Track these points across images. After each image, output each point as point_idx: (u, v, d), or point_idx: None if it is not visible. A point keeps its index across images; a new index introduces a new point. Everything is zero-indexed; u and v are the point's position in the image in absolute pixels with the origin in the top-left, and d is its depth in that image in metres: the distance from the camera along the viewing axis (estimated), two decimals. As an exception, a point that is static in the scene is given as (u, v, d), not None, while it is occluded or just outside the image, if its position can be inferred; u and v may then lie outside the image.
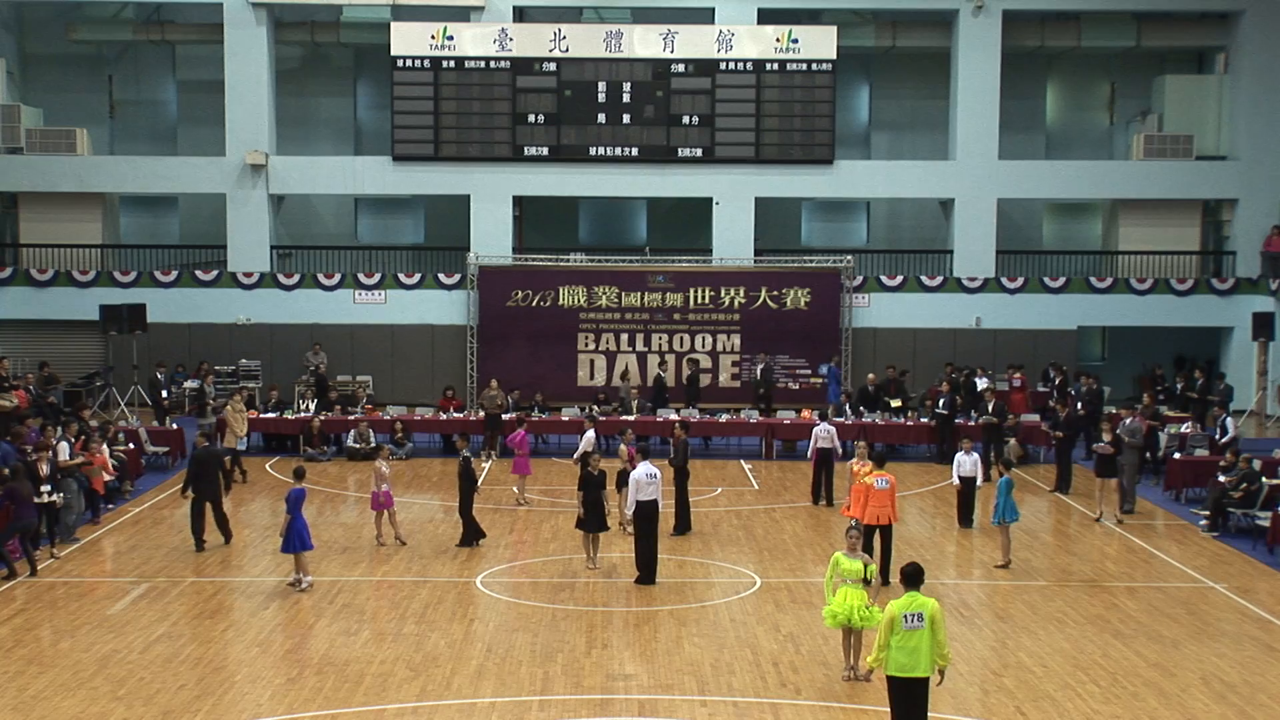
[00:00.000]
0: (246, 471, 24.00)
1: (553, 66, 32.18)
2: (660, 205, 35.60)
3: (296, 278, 32.74)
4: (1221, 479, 20.80)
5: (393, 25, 32.30)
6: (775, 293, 31.67)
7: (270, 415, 27.04)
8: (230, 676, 13.33)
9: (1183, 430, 24.89)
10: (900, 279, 32.88)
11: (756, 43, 32.24)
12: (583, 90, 32.24)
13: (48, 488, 18.02)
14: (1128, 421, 21.89)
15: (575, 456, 21.42)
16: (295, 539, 16.35)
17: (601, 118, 32.29)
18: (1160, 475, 24.00)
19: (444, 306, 32.41)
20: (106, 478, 20.97)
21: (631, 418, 26.88)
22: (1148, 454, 23.52)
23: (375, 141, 34.76)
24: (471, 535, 18.90)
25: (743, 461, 26.78)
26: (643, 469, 17.07)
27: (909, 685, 10.87)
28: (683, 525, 19.77)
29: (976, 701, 12.82)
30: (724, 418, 28.40)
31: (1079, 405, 25.81)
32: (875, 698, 12.36)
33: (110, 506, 21.04)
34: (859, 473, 17.76)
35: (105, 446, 21.40)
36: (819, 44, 32.21)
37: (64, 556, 18.21)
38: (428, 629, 14.93)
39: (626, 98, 32.25)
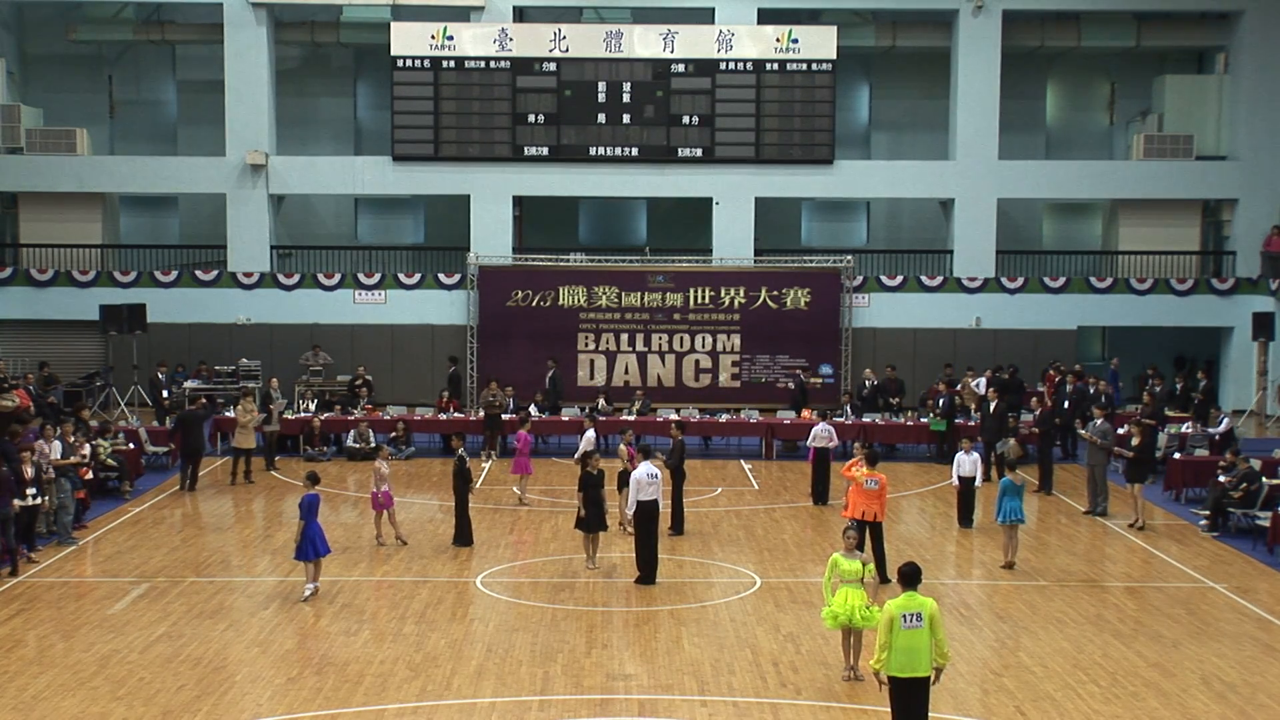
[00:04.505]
0: (251, 472, 23.95)
1: (553, 66, 32.18)
2: (660, 205, 35.60)
3: (296, 278, 32.74)
4: (1221, 479, 20.79)
5: (393, 25, 32.30)
6: (775, 293, 31.66)
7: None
8: (230, 676, 13.32)
9: (1183, 430, 24.91)
10: (900, 279, 32.88)
11: (756, 43, 32.24)
12: (583, 90, 32.24)
13: (32, 490, 17.94)
14: (1098, 422, 21.87)
15: (576, 456, 21.42)
16: (309, 546, 16.01)
17: (601, 118, 32.29)
18: (1153, 474, 23.98)
19: (444, 306, 32.41)
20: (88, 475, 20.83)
21: (632, 418, 26.87)
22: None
23: (375, 141, 34.76)
24: (464, 536, 18.88)
25: (743, 461, 26.78)
26: (644, 469, 17.07)
27: (909, 685, 10.86)
28: (677, 526, 19.77)
29: (976, 701, 12.82)
30: (724, 418, 28.41)
31: (1064, 404, 25.83)
32: (875, 698, 12.35)
33: (82, 523, 20.15)
34: (853, 473, 17.74)
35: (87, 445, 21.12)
36: (819, 44, 32.21)
37: (63, 556, 18.24)
38: (428, 629, 14.92)
39: (626, 98, 32.25)
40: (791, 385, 30.33)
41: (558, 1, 33.50)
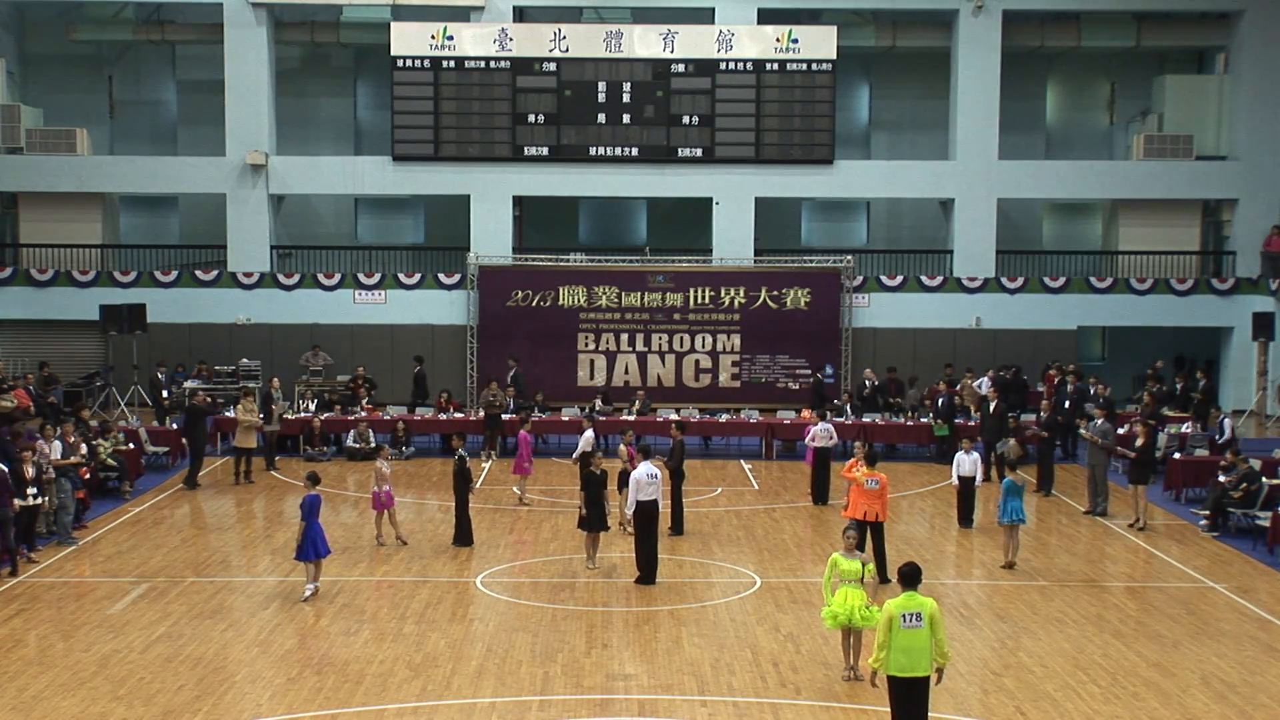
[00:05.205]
0: (251, 472, 23.99)
1: (553, 66, 32.18)
2: (660, 205, 35.59)
3: (296, 278, 32.74)
4: (1221, 479, 20.79)
5: (393, 25, 32.30)
6: (775, 293, 31.66)
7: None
8: (230, 676, 13.32)
9: (1183, 430, 24.90)
10: (900, 279, 32.88)
11: (756, 43, 32.24)
12: (583, 90, 32.24)
13: (33, 490, 17.94)
14: (1098, 422, 21.83)
15: (574, 456, 21.42)
16: (309, 546, 16.00)
17: (601, 118, 32.29)
18: (1154, 474, 23.95)
19: (444, 306, 32.41)
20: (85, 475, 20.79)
21: (632, 418, 26.88)
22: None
23: (375, 141, 34.75)
24: (464, 536, 18.89)
25: (743, 461, 26.79)
26: (643, 469, 17.07)
27: (909, 685, 10.86)
28: (677, 526, 19.78)
29: (976, 701, 12.82)
30: (724, 418, 28.41)
31: (1065, 404, 25.82)
32: (875, 698, 12.35)
33: (82, 523, 20.10)
34: (853, 473, 17.76)
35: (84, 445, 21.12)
36: (819, 44, 32.21)
37: (63, 556, 18.25)
38: (428, 629, 14.93)
39: (626, 98, 32.25)
40: (808, 383, 30.44)
41: (558, 1, 33.49)
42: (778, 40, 32.23)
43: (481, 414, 27.24)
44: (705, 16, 32.84)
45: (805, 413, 27.53)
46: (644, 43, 32.20)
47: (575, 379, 31.41)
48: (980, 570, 18.34)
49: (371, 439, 26.29)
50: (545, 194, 33.37)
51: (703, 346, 31.55)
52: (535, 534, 19.93)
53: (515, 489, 22.34)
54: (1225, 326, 33.01)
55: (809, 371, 31.13)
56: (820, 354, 31.48)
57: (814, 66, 32.24)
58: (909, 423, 27.39)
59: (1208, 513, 20.65)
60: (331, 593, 16.38)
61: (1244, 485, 20.20)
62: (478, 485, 22.74)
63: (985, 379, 28.02)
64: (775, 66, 32.25)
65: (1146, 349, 33.49)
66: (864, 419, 27.23)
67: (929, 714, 11.07)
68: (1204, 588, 17.23)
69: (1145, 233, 33.53)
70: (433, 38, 32.20)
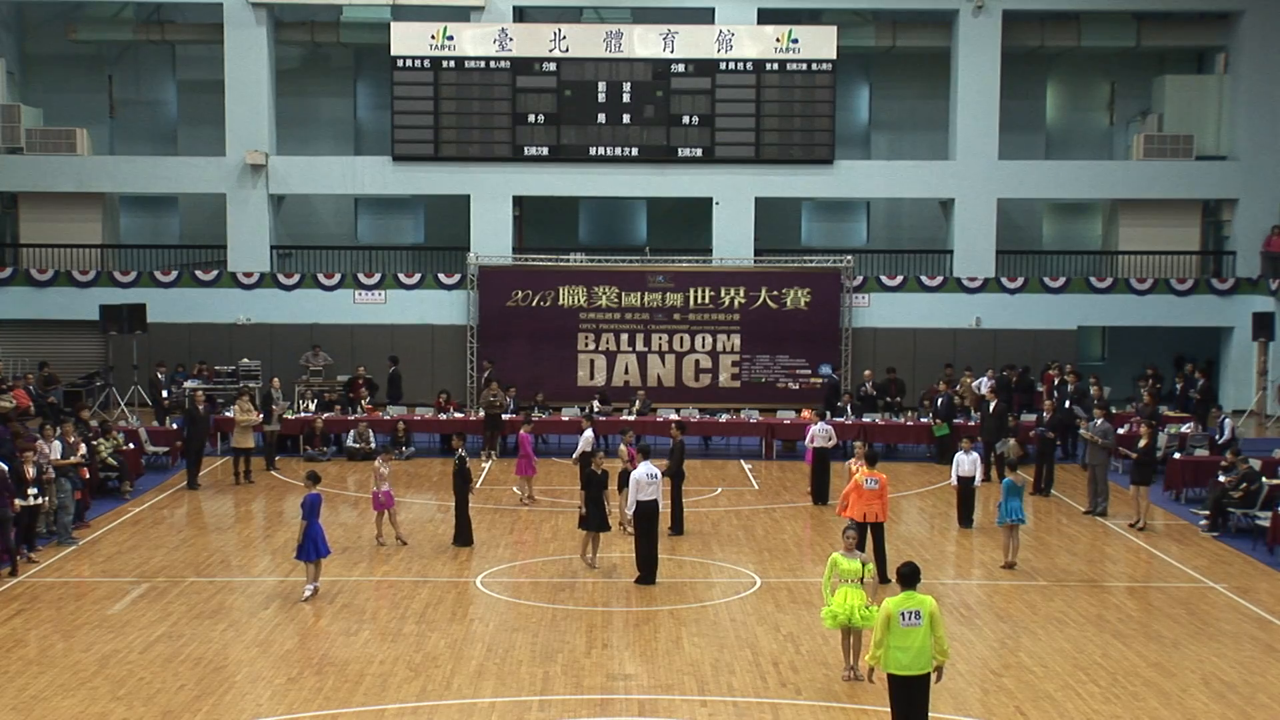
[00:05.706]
0: (251, 472, 23.99)
1: (553, 66, 32.18)
2: (660, 205, 35.59)
3: (296, 278, 32.74)
4: (1221, 479, 20.79)
5: (393, 25, 32.30)
6: (775, 293, 31.66)
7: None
8: (230, 676, 13.33)
9: (1183, 430, 24.90)
10: (900, 279, 32.87)
11: (756, 43, 32.23)
12: (583, 90, 32.24)
13: (33, 490, 17.94)
14: (1098, 423, 21.82)
15: (574, 456, 21.42)
16: (310, 546, 15.99)
17: (601, 118, 32.28)
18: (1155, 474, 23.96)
19: (444, 306, 32.41)
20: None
21: (632, 418, 26.89)
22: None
23: (375, 141, 34.75)
24: (464, 536, 18.88)
25: (743, 461, 26.79)
26: (643, 469, 17.07)
27: (909, 684, 10.86)
28: (677, 526, 19.78)
29: (976, 701, 12.83)
30: (724, 418, 28.42)
31: (1065, 404, 25.81)
32: (875, 698, 12.36)
33: (83, 522, 20.09)
34: (852, 473, 17.76)
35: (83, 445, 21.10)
36: (819, 44, 32.21)
37: (63, 556, 18.25)
38: (428, 629, 14.93)
39: (626, 98, 32.25)
40: (810, 384, 30.43)
41: (558, 1, 33.50)
42: (778, 40, 32.23)
43: (481, 414, 27.25)
44: (705, 16, 32.83)
45: (805, 413, 27.54)
46: (644, 43, 32.20)
47: (575, 379, 31.40)
48: (980, 570, 18.34)
49: (371, 439, 26.30)
50: (545, 194, 33.37)
51: (703, 346, 31.54)
52: (535, 534, 19.93)
53: (516, 489, 22.34)
54: (1225, 326, 33.01)
55: (809, 371, 31.13)
56: (820, 354, 31.48)
57: (814, 66, 32.23)
58: (909, 423, 27.39)
59: (1208, 513, 20.66)
60: (331, 593, 16.38)
61: (1244, 485, 20.21)
62: (477, 485, 22.75)
63: (985, 379, 28.02)
64: (775, 66, 32.24)
65: (1147, 349, 33.51)
66: (864, 419, 27.23)
67: (929, 713, 11.07)
68: (1204, 588, 17.23)
69: (1145, 233, 33.52)
70: (433, 38, 32.20)
